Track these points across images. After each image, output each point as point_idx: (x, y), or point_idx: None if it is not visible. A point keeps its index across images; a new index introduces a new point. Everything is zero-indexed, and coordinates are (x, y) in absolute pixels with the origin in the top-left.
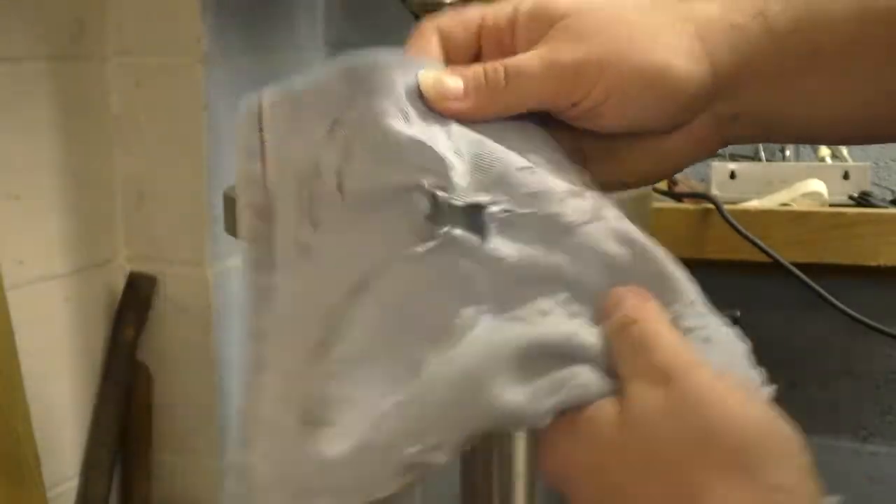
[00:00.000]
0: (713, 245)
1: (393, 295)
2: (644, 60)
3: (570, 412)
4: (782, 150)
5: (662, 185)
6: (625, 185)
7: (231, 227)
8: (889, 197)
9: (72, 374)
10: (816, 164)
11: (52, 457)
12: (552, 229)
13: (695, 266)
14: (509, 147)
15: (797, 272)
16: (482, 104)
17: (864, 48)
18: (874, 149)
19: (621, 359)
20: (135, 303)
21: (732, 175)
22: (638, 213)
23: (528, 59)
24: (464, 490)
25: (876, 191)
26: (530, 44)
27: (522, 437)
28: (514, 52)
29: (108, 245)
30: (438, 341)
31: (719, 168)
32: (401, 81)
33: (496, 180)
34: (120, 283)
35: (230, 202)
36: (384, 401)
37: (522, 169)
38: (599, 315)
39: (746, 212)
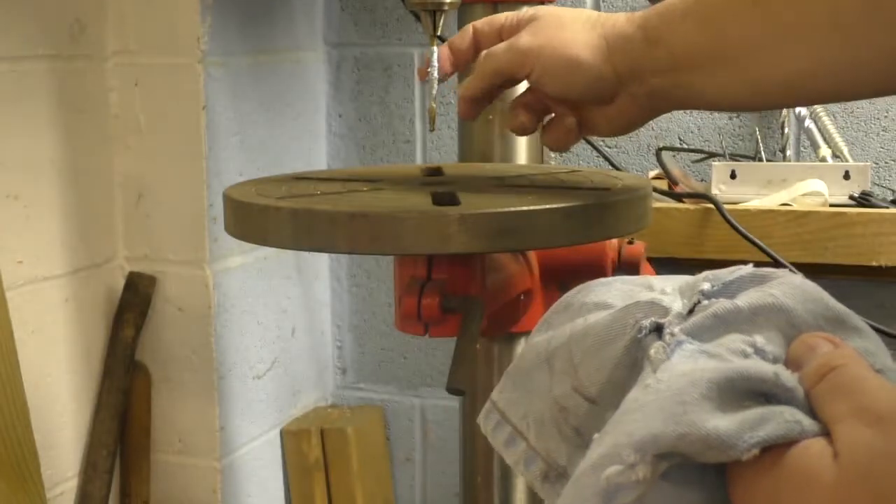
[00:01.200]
0: (713, 245)
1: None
2: (564, 51)
3: (775, 449)
4: (783, 150)
5: (662, 185)
6: (602, 135)
7: (230, 227)
8: (889, 197)
9: (71, 374)
10: (817, 163)
11: (51, 457)
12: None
13: (695, 266)
14: None
15: (797, 272)
16: (473, 79)
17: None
18: (875, 149)
19: (826, 403)
20: (134, 303)
21: (732, 175)
22: (638, 213)
23: (499, 45)
24: (464, 490)
25: (876, 191)
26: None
27: None
28: None
29: (107, 245)
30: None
31: (719, 168)
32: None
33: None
34: (119, 283)
35: (230, 202)
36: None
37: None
38: (790, 363)
39: (746, 212)
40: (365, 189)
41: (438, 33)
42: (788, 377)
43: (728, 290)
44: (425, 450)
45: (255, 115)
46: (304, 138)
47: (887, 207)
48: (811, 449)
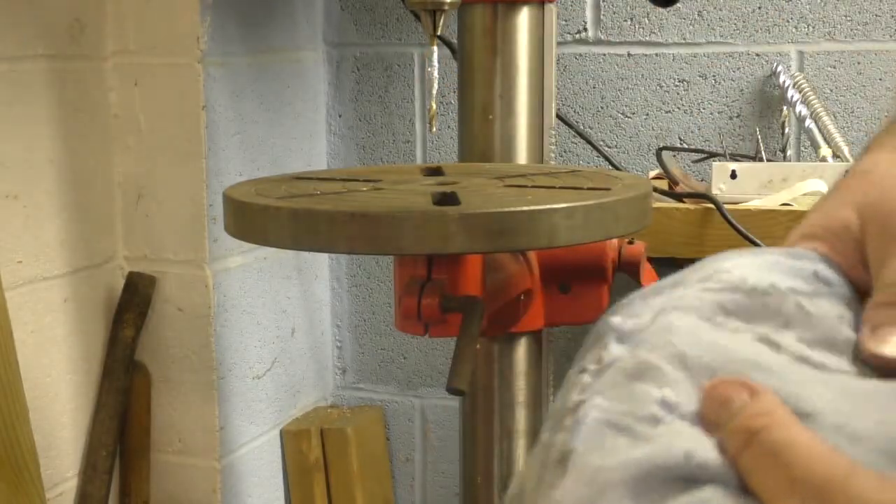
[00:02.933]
0: (713, 245)
1: None
2: None
3: None
4: (783, 150)
5: (663, 185)
6: None
7: (230, 228)
8: None
9: (71, 374)
10: (817, 163)
11: (51, 457)
12: None
13: None
14: None
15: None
16: None
17: None
18: None
19: (756, 478)
20: (134, 303)
21: (733, 175)
22: (638, 213)
23: None
24: (464, 490)
25: None
26: (881, 260)
27: (523, 436)
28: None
29: (107, 245)
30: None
31: (720, 168)
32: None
33: None
34: (119, 283)
35: (230, 202)
36: None
37: None
38: (705, 423)
39: (747, 212)
40: (365, 189)
41: (438, 33)
42: (703, 453)
43: (633, 338)
44: (425, 450)
45: (255, 115)
46: (304, 138)
47: None
48: None
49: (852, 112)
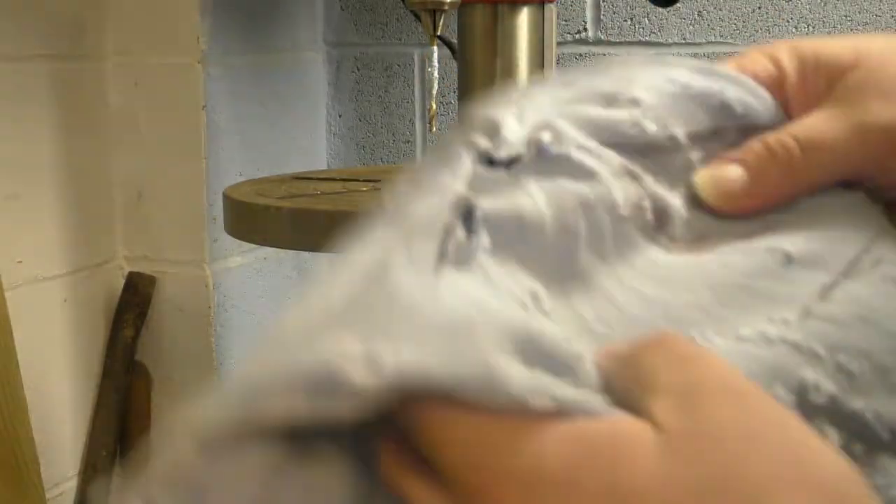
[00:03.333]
0: None
1: None
2: None
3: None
4: None
5: None
6: None
7: (230, 227)
8: None
9: (71, 374)
10: None
11: (51, 457)
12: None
13: None
14: None
15: None
16: (774, 191)
17: None
18: None
19: (643, 377)
20: (134, 303)
21: None
22: None
23: (823, 124)
24: None
25: None
26: (808, 103)
27: None
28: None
29: (107, 245)
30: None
31: None
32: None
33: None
34: (119, 284)
35: (230, 202)
36: None
37: None
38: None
39: None
40: (365, 189)
41: (438, 33)
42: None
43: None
44: None
45: (255, 115)
46: (304, 138)
47: None
48: (623, 423)
49: None
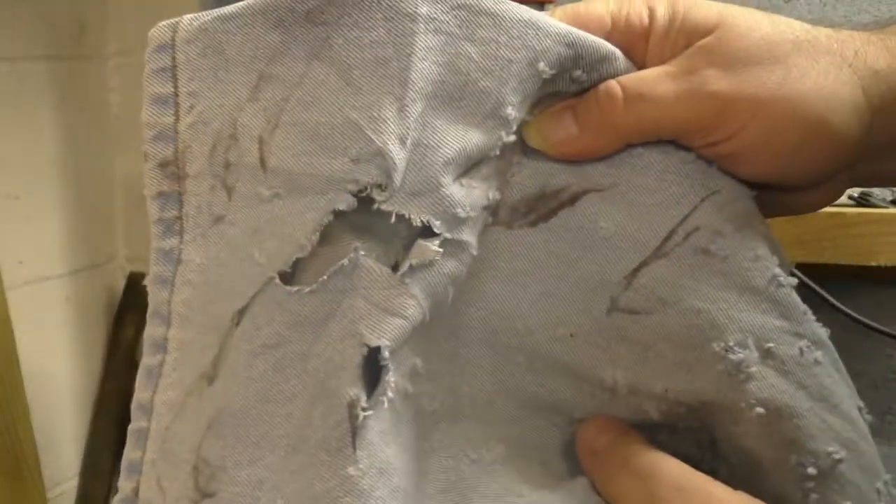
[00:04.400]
0: None
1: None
2: (801, 109)
3: None
4: None
5: None
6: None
7: None
8: (889, 197)
9: (72, 374)
10: None
11: (52, 457)
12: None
13: None
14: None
15: (797, 272)
16: (597, 137)
17: None
18: None
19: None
20: (135, 303)
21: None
22: None
23: (656, 79)
24: None
25: (876, 191)
26: (663, 58)
27: None
28: (643, 66)
29: (108, 245)
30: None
31: None
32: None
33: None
34: (120, 283)
35: None
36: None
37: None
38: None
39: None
40: None
41: None
42: None
43: None
44: None
45: None
46: None
47: (887, 207)
48: None
49: None
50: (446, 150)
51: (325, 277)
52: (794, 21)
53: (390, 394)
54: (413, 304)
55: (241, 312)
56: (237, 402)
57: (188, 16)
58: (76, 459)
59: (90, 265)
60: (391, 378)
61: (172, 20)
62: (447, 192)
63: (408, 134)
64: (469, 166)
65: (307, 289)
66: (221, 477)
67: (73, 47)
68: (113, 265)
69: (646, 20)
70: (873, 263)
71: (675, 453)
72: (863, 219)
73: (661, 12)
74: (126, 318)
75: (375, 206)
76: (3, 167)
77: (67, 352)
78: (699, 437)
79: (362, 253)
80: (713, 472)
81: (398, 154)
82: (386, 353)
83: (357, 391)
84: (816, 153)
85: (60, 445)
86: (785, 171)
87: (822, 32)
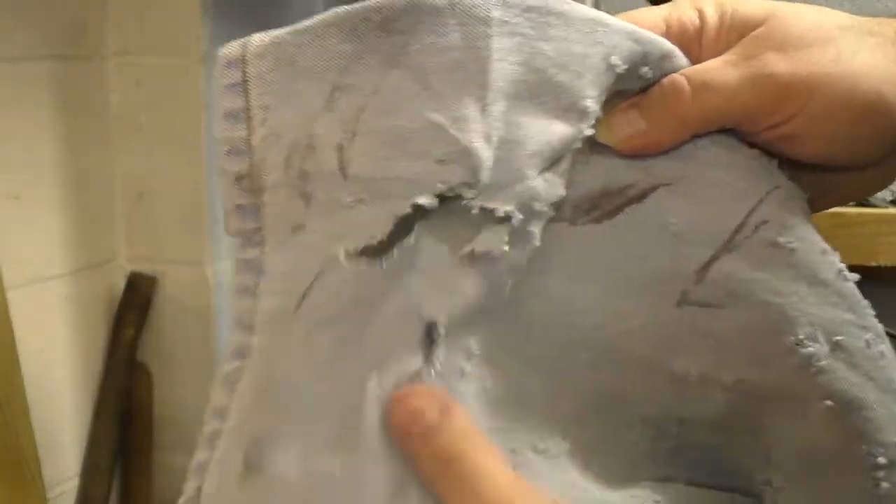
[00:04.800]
0: None
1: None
2: (858, 85)
3: None
4: None
5: None
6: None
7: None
8: (889, 197)
9: (72, 374)
10: None
11: (52, 457)
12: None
13: None
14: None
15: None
16: (664, 130)
17: None
18: None
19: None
20: (135, 303)
21: None
22: None
23: (718, 68)
24: None
25: None
26: (718, 54)
27: None
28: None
29: (108, 245)
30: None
31: None
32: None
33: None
34: (120, 284)
35: None
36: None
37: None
38: (392, 427)
39: None
40: None
41: None
42: None
43: None
44: None
45: None
46: None
47: (887, 207)
48: None
49: None
50: (531, 143)
51: (389, 256)
52: (834, 10)
53: (438, 366)
54: (471, 286)
55: (304, 295)
56: (292, 375)
57: (259, 33)
58: (76, 459)
59: (90, 265)
60: (441, 352)
61: (243, 38)
62: (532, 185)
63: (492, 132)
64: (554, 160)
65: (370, 266)
66: (269, 451)
67: (73, 47)
68: (113, 265)
69: (697, 21)
70: (873, 263)
71: (730, 463)
72: (863, 219)
73: (710, 12)
74: (126, 318)
75: (463, 202)
76: (3, 167)
77: (67, 351)
78: (754, 449)
79: (426, 233)
80: (767, 483)
81: (485, 152)
82: (441, 330)
83: (418, 362)
84: (874, 129)
85: (60, 445)
86: (844, 148)
87: (862, 18)
